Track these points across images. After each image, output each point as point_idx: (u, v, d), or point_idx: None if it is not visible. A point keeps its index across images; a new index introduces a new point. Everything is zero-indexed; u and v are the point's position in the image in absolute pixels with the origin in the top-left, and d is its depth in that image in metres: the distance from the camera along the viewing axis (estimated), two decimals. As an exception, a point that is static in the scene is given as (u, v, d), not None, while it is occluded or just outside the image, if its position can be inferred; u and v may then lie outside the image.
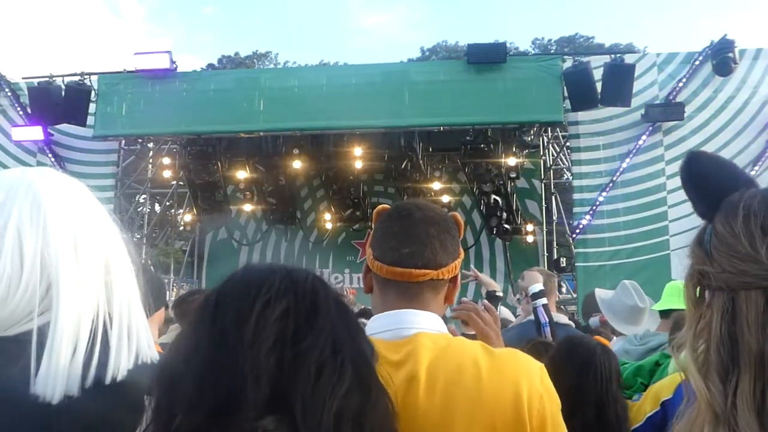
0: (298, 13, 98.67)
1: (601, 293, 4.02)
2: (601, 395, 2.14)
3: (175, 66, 10.82)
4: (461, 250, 1.45)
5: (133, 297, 1.13)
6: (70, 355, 0.99)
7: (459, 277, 1.44)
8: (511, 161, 11.43)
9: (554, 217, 12.31)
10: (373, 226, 1.47)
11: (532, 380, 1.29)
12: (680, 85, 10.02)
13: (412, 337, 1.32)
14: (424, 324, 1.35)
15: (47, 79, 10.82)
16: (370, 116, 10.39)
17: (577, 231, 10.24)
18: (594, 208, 10.10)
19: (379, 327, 1.37)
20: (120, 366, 1.03)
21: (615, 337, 3.82)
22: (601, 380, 2.17)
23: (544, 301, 3.21)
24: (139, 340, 1.08)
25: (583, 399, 2.07)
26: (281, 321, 0.91)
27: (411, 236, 1.37)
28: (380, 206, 1.49)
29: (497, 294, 3.27)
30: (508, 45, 11.07)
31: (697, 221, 0.92)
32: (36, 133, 10.99)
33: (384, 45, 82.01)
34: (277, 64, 42.98)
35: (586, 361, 2.21)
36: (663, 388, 2.13)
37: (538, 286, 3.27)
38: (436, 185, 12.50)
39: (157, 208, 16.56)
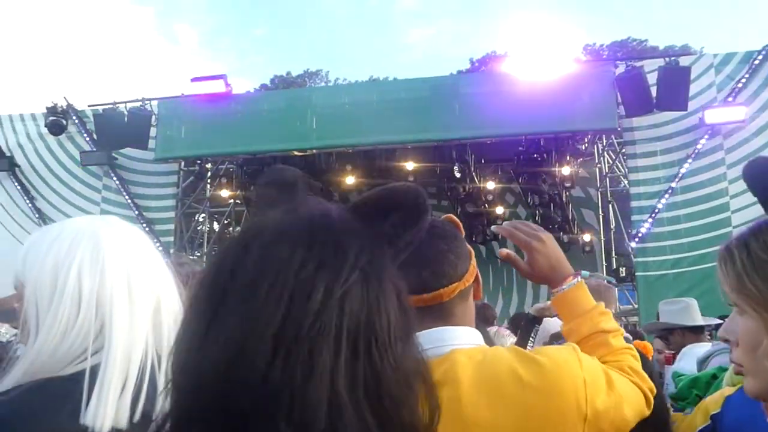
0: (346, 31, 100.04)
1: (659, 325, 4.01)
2: None
3: (230, 89, 11.14)
4: (470, 248, 1.43)
5: None
6: (120, 390, 1.06)
7: (478, 273, 1.42)
8: (566, 170, 11.29)
9: (612, 226, 12.05)
10: None
11: (574, 374, 1.26)
12: (739, 86, 9.72)
13: (448, 354, 1.31)
14: (458, 339, 1.34)
15: (111, 105, 11.27)
16: (421, 130, 10.43)
17: (637, 239, 10.01)
18: (653, 215, 9.85)
19: None
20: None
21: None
22: None
23: None
24: None
25: None
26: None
27: (426, 258, 1.32)
28: None
29: (531, 316, 3.24)
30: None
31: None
32: (101, 157, 11.50)
33: (433, 58, 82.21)
34: (327, 82, 43.54)
35: None
36: (712, 402, 2.10)
37: None
38: (490, 197, 12.43)
39: (216, 226, 16.98)
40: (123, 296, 1.13)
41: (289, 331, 0.68)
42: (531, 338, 3.35)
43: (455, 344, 1.33)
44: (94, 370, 1.06)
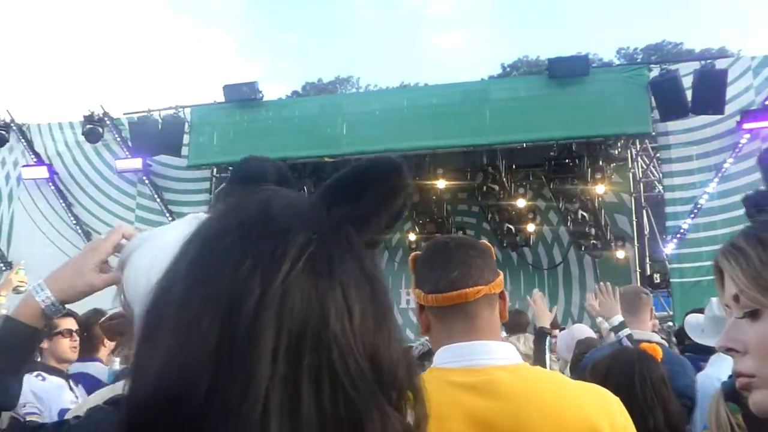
0: (377, 36, 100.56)
1: (692, 318, 3.88)
2: (640, 406, 2.16)
3: (261, 95, 11.26)
4: (499, 271, 1.51)
5: None
6: None
7: (506, 292, 1.50)
8: (598, 175, 11.13)
9: (646, 232, 11.84)
10: (412, 273, 1.53)
11: (614, 415, 1.32)
12: (778, 89, 9.50)
13: (489, 368, 1.34)
14: (497, 354, 1.37)
15: (146, 113, 11.49)
16: (451, 136, 10.41)
17: (672, 246, 9.82)
18: (689, 221, 9.67)
19: (449, 357, 1.39)
20: None
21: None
22: (631, 390, 2.19)
23: (627, 331, 3.22)
24: None
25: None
26: None
27: (455, 262, 1.43)
28: (413, 254, 1.56)
29: (544, 330, 3.51)
30: (591, 56, 10.86)
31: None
32: (136, 164, 11.73)
33: (463, 63, 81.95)
34: (358, 88, 43.83)
35: (611, 374, 2.29)
36: None
37: (618, 318, 3.28)
38: (521, 202, 12.28)
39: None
40: None
41: (225, 344, 0.58)
42: (546, 348, 3.41)
43: (493, 359, 1.37)
44: None
